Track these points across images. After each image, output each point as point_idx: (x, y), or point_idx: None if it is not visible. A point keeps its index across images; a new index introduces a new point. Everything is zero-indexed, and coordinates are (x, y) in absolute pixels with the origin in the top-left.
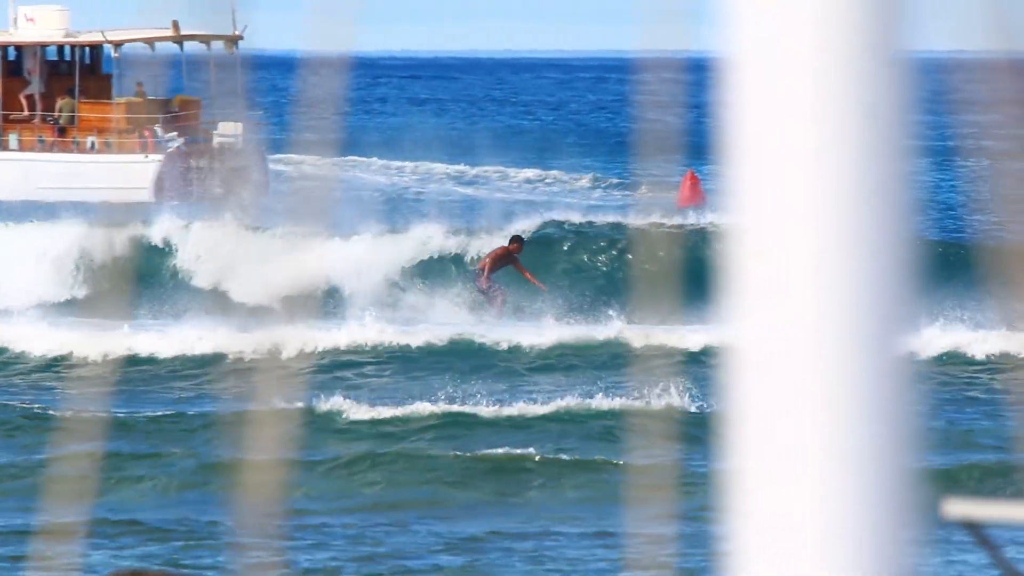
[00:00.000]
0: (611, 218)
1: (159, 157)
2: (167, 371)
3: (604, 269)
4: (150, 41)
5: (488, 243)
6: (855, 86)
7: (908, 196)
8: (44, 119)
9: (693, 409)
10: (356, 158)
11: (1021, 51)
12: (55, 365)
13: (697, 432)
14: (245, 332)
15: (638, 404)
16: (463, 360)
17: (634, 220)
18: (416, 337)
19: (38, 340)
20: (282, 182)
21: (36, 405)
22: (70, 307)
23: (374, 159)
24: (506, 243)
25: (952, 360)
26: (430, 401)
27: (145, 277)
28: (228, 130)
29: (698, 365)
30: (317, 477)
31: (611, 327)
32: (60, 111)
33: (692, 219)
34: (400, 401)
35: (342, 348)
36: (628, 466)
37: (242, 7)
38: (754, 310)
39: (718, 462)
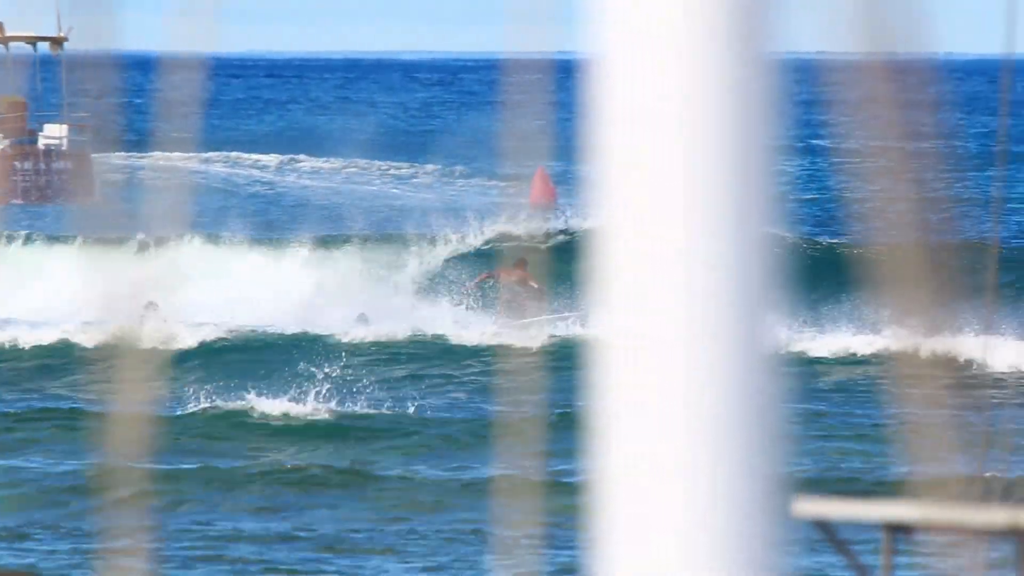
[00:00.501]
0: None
1: None
2: None
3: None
4: None
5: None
6: (721, 86)
7: (775, 196)
8: None
9: (554, 412)
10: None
11: (893, 52)
12: None
13: (562, 436)
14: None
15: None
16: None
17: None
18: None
19: None
20: (110, 184)
21: None
22: None
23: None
24: (512, 265)
25: (827, 360)
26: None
27: None
28: (53, 132)
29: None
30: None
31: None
32: None
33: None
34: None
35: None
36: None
37: (110, 7)
38: (620, 308)
39: (583, 464)
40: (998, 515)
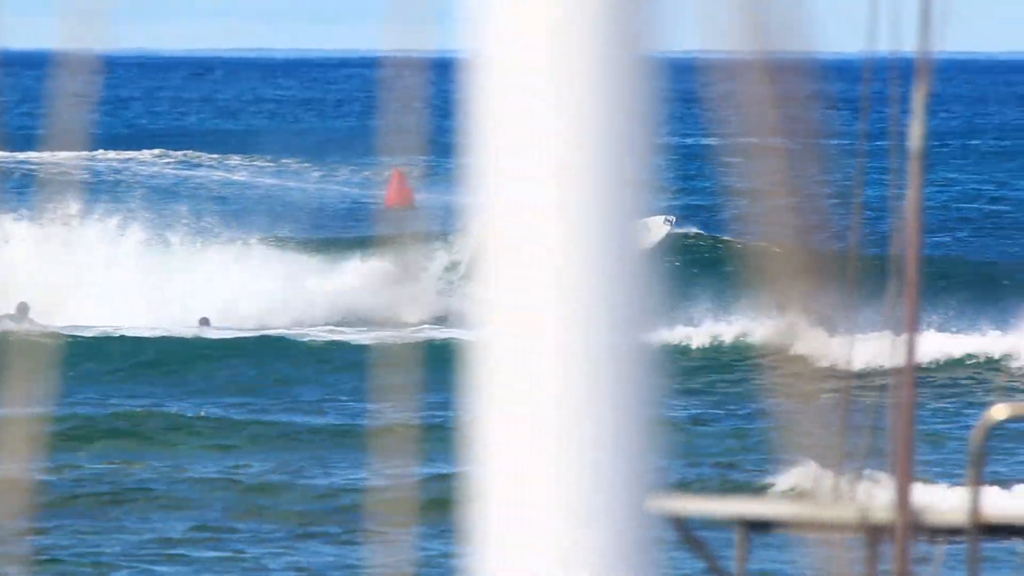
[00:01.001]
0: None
1: None
2: None
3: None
4: None
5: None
6: (598, 85)
7: (652, 193)
8: None
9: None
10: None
11: (775, 51)
12: None
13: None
14: None
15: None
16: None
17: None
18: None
19: None
20: None
21: None
22: None
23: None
24: None
25: (715, 353)
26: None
27: None
28: None
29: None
30: None
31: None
32: None
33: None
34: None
35: None
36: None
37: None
38: (496, 309)
39: (459, 467)
40: (849, 511)
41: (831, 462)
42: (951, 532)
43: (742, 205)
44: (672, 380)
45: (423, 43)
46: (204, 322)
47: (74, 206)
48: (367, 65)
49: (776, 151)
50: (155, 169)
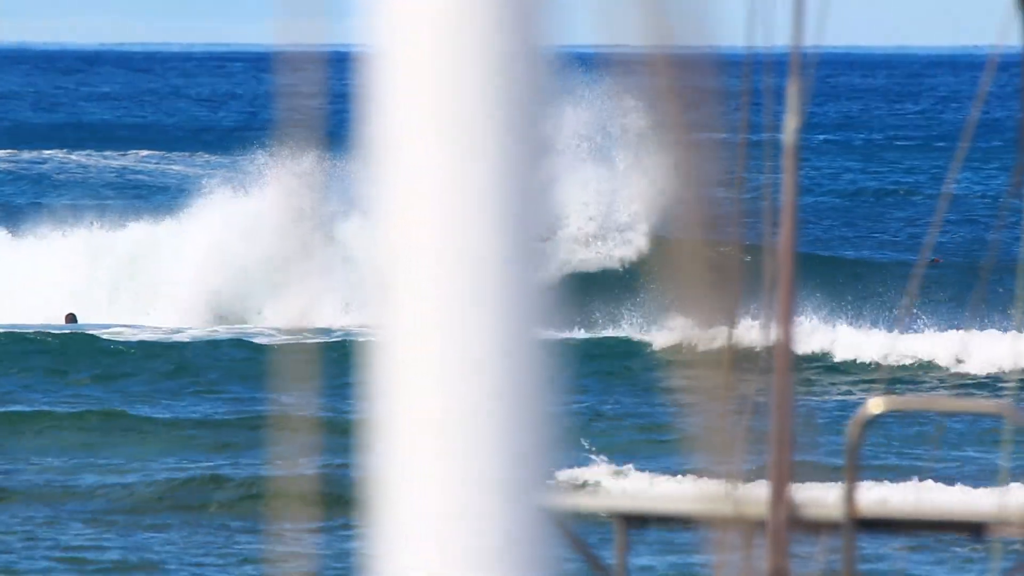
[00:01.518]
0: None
1: None
2: None
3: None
4: None
5: None
6: (493, 79)
7: (547, 190)
8: None
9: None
10: None
11: (678, 44)
12: None
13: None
14: None
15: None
16: None
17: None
18: None
19: None
20: None
21: None
22: None
23: None
24: None
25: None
26: None
27: None
28: None
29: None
30: None
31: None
32: None
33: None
34: None
35: None
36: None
37: None
38: (393, 305)
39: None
40: (726, 505)
41: (724, 457)
42: (829, 527)
43: (651, 203)
44: (570, 375)
45: (317, 37)
46: (71, 319)
47: None
48: (245, 60)
49: (679, 145)
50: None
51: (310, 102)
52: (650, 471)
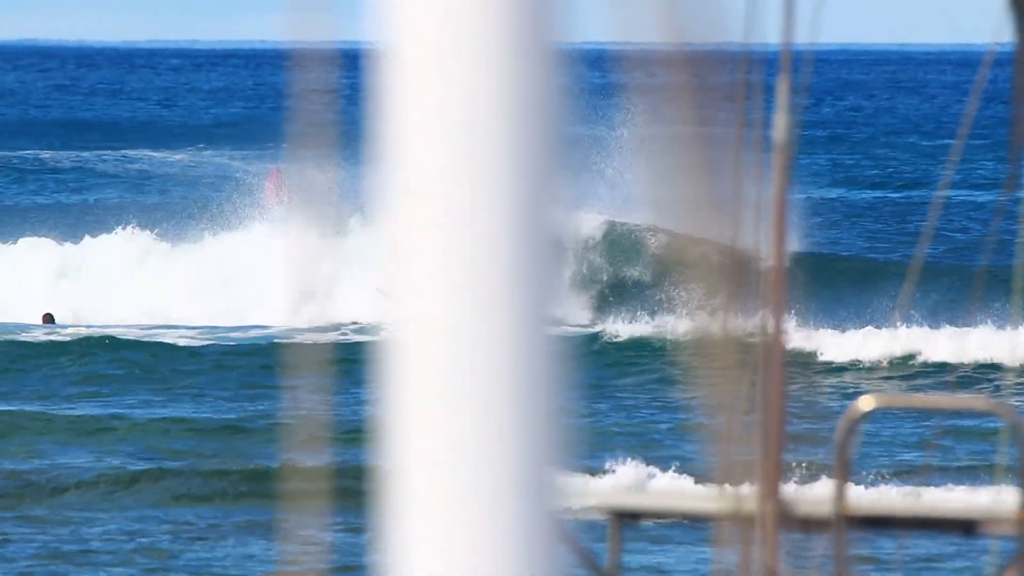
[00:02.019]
0: None
1: None
2: None
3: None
4: None
5: None
6: (506, 76)
7: (561, 185)
8: None
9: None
10: None
11: (693, 41)
12: None
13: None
14: None
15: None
16: None
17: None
18: None
19: None
20: None
21: None
22: None
23: None
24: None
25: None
26: None
27: None
28: None
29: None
30: None
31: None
32: None
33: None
34: None
35: None
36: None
37: None
38: (405, 303)
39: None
40: (720, 501)
41: (729, 453)
42: (820, 524)
43: (663, 198)
44: (585, 373)
45: (328, 34)
46: (48, 319)
47: None
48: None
49: (693, 142)
50: None
51: (322, 100)
52: (648, 468)
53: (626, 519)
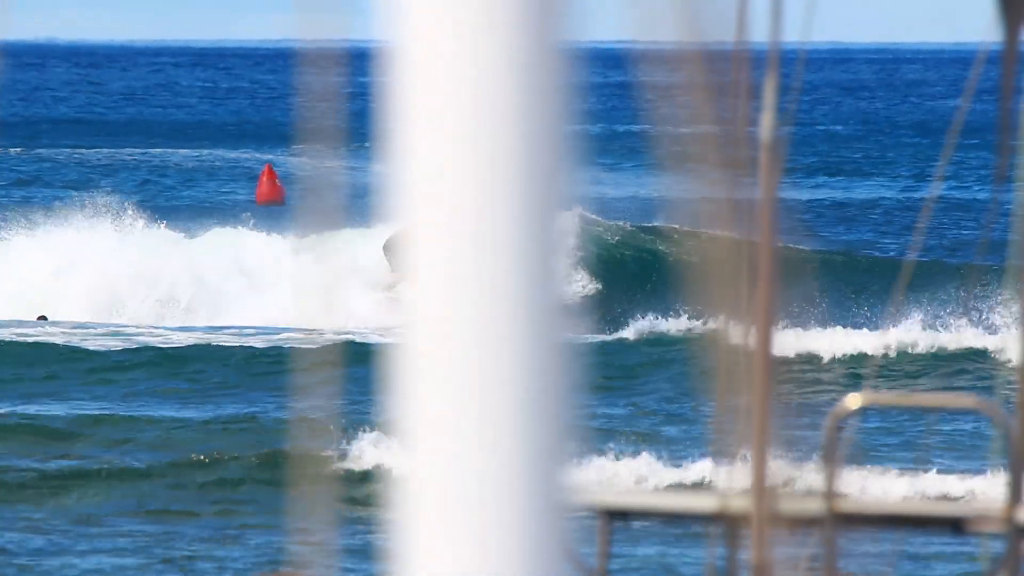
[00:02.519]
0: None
1: None
2: None
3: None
4: None
5: None
6: (514, 75)
7: (571, 184)
8: None
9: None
10: None
11: (709, 40)
12: None
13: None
14: None
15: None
16: None
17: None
18: None
19: None
20: None
21: None
22: None
23: None
24: None
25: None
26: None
27: None
28: None
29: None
30: None
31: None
32: None
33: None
34: None
35: None
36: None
37: None
38: (415, 301)
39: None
40: (708, 501)
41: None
42: (811, 523)
43: (681, 199)
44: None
45: (338, 33)
46: (42, 319)
47: None
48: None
49: (711, 141)
50: None
51: (331, 99)
52: (645, 465)
53: (615, 518)
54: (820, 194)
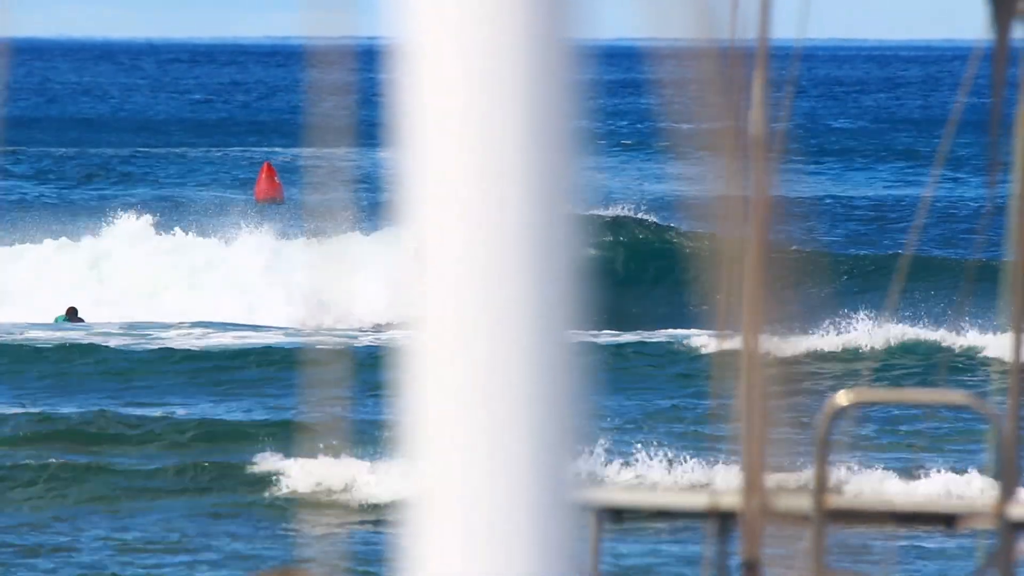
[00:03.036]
0: None
1: None
2: None
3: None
4: None
5: None
6: (523, 72)
7: (578, 184)
8: None
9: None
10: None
11: (721, 37)
12: None
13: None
14: None
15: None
16: None
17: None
18: None
19: None
20: None
21: None
22: None
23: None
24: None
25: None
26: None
27: None
28: None
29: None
30: None
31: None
32: None
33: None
34: None
35: None
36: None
37: None
38: (422, 301)
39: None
40: (699, 499)
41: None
42: (801, 519)
43: (697, 199)
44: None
45: (346, 30)
46: (72, 313)
47: None
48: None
49: (725, 139)
50: None
51: (340, 96)
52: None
53: (609, 516)
54: (817, 191)
